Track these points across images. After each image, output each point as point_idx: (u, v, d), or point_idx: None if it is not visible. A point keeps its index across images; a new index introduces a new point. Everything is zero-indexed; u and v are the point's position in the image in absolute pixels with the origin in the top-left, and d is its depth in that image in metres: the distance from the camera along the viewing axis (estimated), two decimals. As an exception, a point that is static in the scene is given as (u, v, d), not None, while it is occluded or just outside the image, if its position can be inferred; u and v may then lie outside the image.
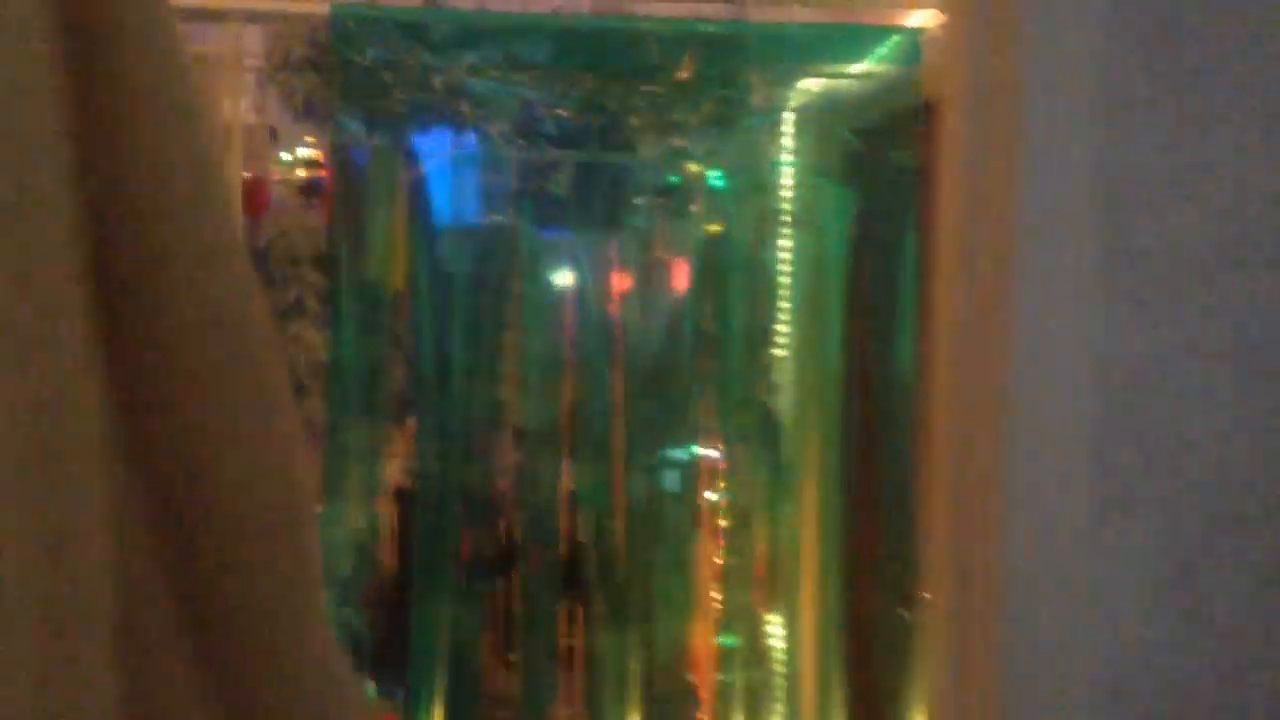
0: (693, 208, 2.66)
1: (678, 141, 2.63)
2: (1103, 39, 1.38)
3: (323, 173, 2.50)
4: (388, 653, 2.29)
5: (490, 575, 2.33)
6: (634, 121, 2.59)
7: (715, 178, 2.70)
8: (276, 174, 2.61)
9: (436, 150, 2.31)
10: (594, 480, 2.54)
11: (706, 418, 2.50)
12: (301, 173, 2.62)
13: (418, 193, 2.22)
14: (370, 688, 2.34)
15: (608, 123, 2.54)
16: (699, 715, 2.60)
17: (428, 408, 2.21)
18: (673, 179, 2.69)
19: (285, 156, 2.73)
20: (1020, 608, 1.42)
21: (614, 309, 2.62)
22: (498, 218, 2.38)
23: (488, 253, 2.37)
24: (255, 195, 2.33)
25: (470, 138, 2.32)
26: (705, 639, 2.62)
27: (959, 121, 1.58)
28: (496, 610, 2.42)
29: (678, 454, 2.62)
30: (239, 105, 2.17)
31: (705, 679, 2.62)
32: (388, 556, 2.28)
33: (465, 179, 2.39)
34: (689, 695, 2.60)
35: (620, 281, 2.66)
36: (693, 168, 2.69)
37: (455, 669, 2.32)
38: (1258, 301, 1.43)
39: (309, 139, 2.58)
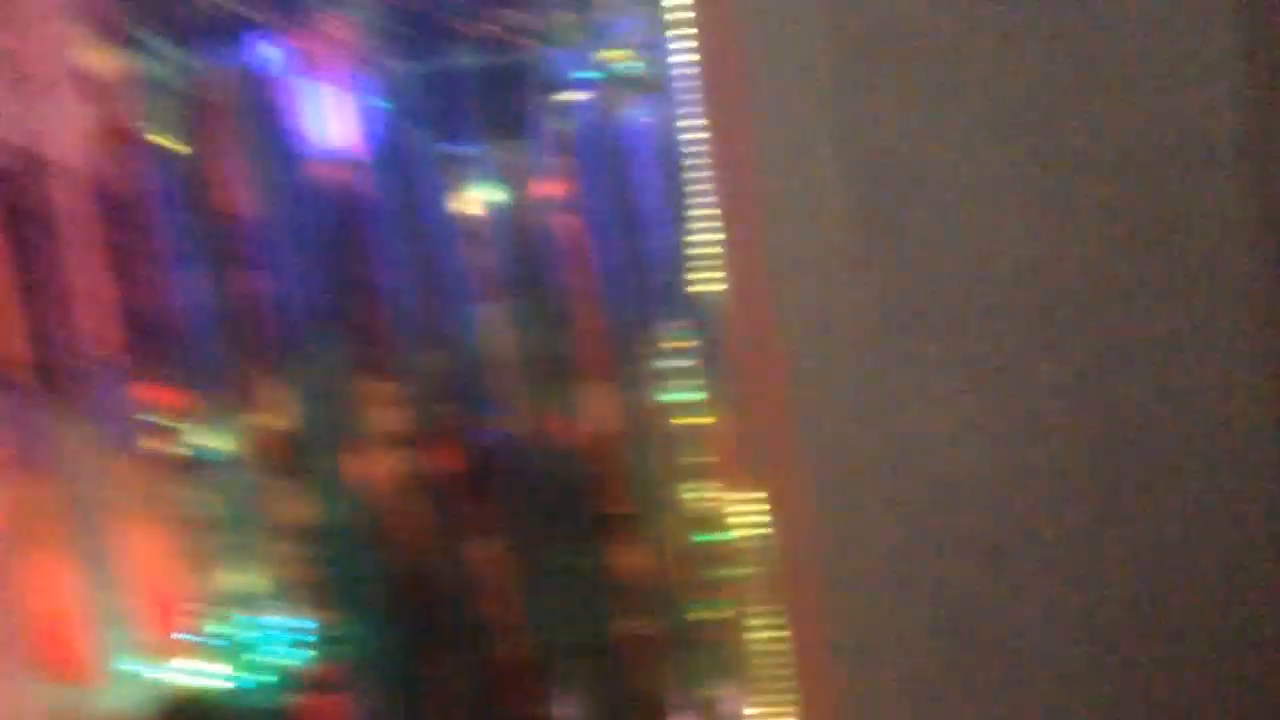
0: (609, 99, 2.52)
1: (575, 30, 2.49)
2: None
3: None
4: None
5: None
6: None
7: (631, 66, 2.54)
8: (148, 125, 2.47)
9: (294, 69, 2.16)
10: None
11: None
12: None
13: (270, 115, 2.07)
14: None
15: (491, 16, 2.39)
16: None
17: (304, 348, 2.10)
18: (587, 73, 2.53)
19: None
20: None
21: (536, 220, 2.49)
22: (376, 134, 2.23)
23: (369, 173, 2.23)
24: (118, 141, 2.20)
25: (333, 48, 2.16)
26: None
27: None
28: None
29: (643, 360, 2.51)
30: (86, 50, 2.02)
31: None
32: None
33: (345, 98, 2.23)
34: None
35: (542, 188, 2.53)
36: (601, 57, 2.54)
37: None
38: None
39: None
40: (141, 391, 2.06)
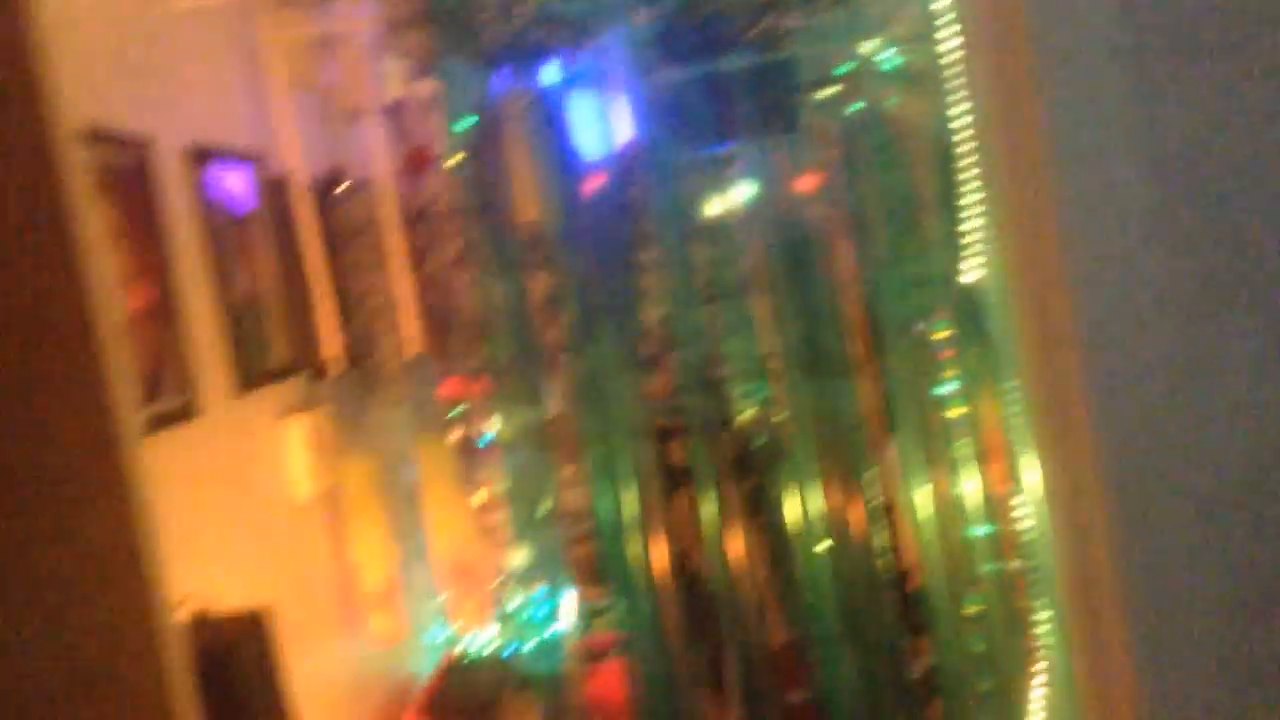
0: (865, 93, 2.51)
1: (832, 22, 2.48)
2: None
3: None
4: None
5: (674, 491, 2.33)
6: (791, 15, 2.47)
7: (886, 60, 2.53)
8: (443, 145, 2.70)
9: (571, 84, 2.30)
10: (811, 392, 2.45)
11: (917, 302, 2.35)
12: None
13: (552, 129, 2.22)
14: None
15: (756, 20, 2.44)
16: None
17: (584, 344, 2.22)
18: (840, 68, 2.54)
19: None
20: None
21: (797, 212, 2.51)
22: (639, 142, 2.32)
23: (642, 179, 2.33)
24: (417, 161, 2.41)
25: (605, 63, 2.28)
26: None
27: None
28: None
29: (892, 348, 2.50)
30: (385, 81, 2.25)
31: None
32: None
33: (610, 106, 2.35)
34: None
35: (804, 183, 2.55)
36: (863, 50, 2.54)
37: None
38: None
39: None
40: (444, 382, 2.25)
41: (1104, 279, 1.45)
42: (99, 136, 1.52)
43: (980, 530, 2.47)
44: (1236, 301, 1.45)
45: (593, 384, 2.21)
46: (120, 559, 1.21)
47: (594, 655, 2.41)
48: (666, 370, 2.52)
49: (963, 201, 2.34)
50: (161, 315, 1.65)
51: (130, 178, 1.60)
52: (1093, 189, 1.43)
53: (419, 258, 2.26)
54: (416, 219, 2.26)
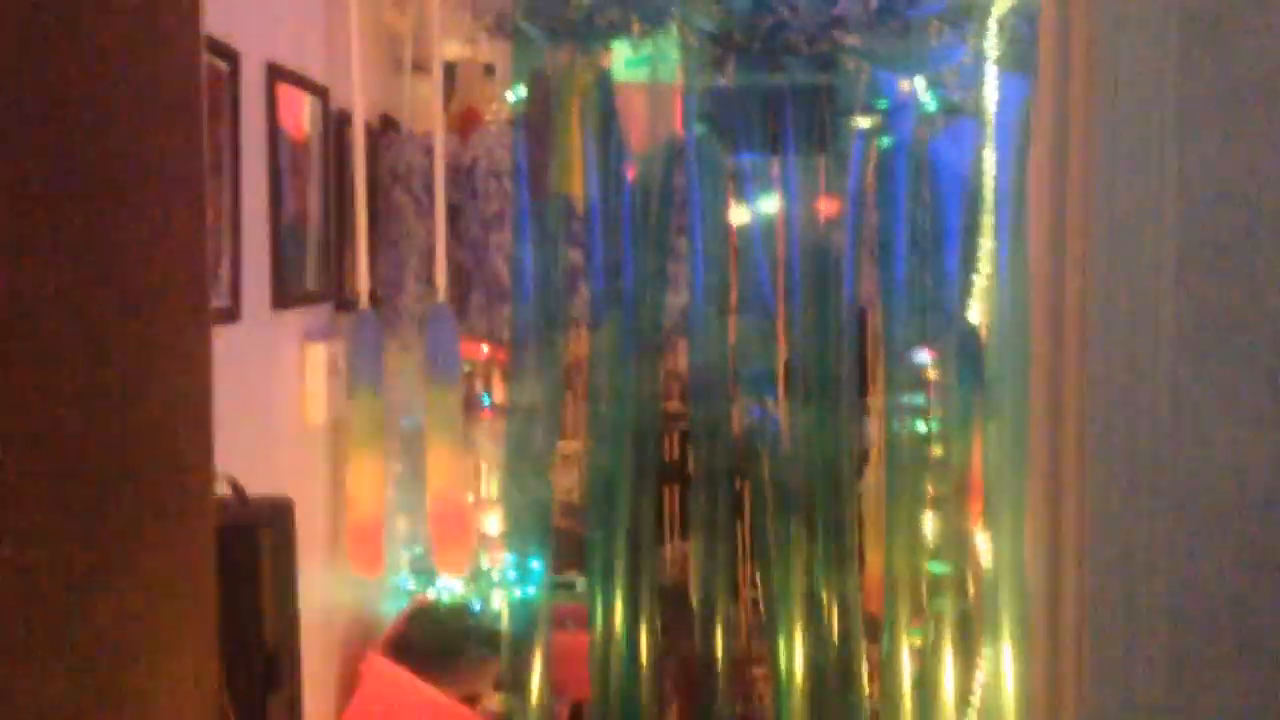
0: (901, 129, 2.61)
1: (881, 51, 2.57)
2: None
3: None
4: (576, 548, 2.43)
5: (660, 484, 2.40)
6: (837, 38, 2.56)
7: (929, 101, 2.63)
8: (495, 109, 2.75)
9: (626, 67, 2.38)
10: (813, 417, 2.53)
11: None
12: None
13: (606, 110, 2.30)
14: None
15: (808, 43, 2.52)
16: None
17: (604, 321, 2.30)
18: (880, 101, 2.64)
19: (509, 96, 2.87)
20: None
21: (817, 232, 2.59)
22: (687, 138, 2.41)
23: (672, 173, 2.41)
24: (466, 121, 2.49)
25: (661, 55, 2.37)
26: (910, 565, 2.57)
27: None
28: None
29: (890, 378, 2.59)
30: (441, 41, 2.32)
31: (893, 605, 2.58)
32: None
33: (658, 98, 2.44)
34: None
35: (826, 206, 2.64)
36: (904, 86, 2.63)
37: (630, 563, 2.38)
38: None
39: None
40: (461, 336, 2.32)
41: (1119, 326, 1.51)
42: (209, 44, 1.58)
43: (938, 566, 2.57)
44: (1243, 342, 1.47)
45: (606, 364, 2.29)
46: (186, 423, 1.27)
47: (561, 622, 2.48)
48: (677, 368, 2.59)
49: (980, 244, 2.46)
50: (228, 221, 1.72)
51: (222, 87, 1.67)
52: (1126, 243, 1.49)
53: (455, 214, 2.33)
54: (459, 176, 2.34)
